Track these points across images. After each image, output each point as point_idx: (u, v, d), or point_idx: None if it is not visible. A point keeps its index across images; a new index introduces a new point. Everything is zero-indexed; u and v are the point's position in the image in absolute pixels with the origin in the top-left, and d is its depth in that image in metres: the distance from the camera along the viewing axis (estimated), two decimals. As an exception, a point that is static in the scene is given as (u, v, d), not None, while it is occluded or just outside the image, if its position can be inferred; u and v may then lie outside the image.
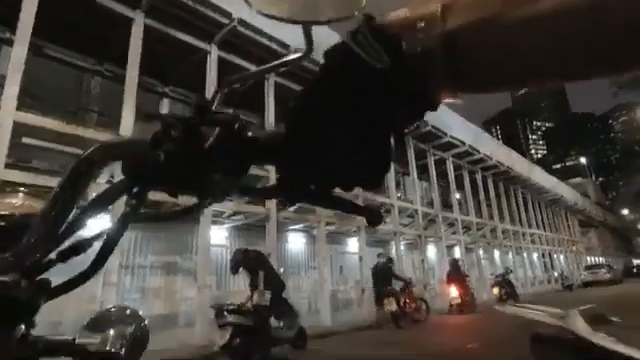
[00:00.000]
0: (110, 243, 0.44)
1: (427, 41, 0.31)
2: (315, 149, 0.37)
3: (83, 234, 0.43)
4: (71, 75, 9.05)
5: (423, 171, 16.67)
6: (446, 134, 16.12)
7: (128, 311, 0.56)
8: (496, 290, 13.93)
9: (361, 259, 11.77)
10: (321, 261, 10.73)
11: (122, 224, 0.43)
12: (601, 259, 34.05)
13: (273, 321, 6.21)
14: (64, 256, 0.42)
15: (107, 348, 0.46)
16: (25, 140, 6.60)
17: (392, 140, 0.36)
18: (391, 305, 8.60)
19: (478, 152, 18.47)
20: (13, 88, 6.12)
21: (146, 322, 0.55)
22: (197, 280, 8.10)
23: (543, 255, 25.49)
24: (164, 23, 8.50)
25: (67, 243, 0.42)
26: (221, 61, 9.37)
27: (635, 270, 31.73)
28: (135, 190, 0.42)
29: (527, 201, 24.56)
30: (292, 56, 0.42)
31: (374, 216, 0.43)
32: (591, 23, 0.26)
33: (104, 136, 7.10)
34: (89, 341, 0.46)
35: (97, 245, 0.44)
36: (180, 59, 9.47)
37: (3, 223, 0.50)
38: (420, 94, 0.34)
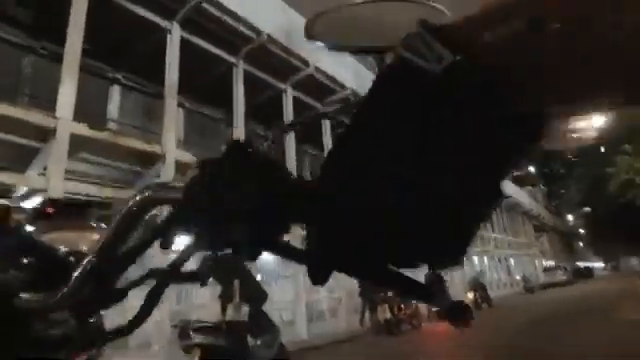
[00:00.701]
0: (156, 294, 0.46)
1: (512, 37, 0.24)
2: (358, 214, 0.27)
3: (125, 282, 0.42)
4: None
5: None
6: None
7: None
8: (471, 295, 13.64)
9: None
10: (297, 269, 9.76)
11: (166, 276, 0.45)
12: (552, 262, 35.54)
13: (249, 339, 5.22)
14: (108, 301, 0.43)
15: None
16: None
17: (479, 196, 0.26)
18: (385, 313, 7.87)
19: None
20: None
21: None
22: (154, 293, 6.89)
23: (506, 259, 25.99)
24: (116, -8, 7.30)
25: (111, 287, 0.41)
26: (183, 43, 8.27)
27: (584, 271, 33.42)
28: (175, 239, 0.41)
29: (489, 206, 24.94)
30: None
31: (456, 310, 0.34)
32: None
33: (36, 117, 5.81)
34: None
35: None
36: (136, 38, 8.25)
37: (72, 259, 0.48)
38: (514, 111, 0.23)
